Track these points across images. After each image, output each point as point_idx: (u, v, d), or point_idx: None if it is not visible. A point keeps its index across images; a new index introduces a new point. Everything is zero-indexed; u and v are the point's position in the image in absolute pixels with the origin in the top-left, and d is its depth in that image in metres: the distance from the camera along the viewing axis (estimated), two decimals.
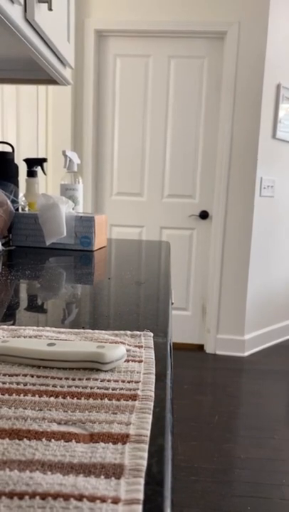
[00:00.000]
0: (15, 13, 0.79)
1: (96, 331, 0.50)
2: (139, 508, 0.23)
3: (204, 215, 2.81)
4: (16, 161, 1.33)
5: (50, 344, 0.41)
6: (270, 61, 2.57)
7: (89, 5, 2.54)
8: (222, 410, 2.12)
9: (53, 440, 0.29)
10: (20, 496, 0.24)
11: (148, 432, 0.30)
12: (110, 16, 2.55)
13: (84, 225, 1.15)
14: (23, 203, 1.37)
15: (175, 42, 2.65)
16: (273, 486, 1.58)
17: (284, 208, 2.95)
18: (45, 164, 1.50)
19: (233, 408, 2.15)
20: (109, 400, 0.34)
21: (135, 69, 2.70)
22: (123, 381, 0.38)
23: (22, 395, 0.35)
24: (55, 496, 0.24)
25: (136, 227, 2.89)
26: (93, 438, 0.29)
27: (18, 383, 0.37)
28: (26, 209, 1.40)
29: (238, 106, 2.60)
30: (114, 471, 0.26)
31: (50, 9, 0.88)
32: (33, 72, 1.25)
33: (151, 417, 0.32)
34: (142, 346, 0.46)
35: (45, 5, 0.89)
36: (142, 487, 0.24)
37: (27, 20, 0.85)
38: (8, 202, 1.11)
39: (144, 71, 2.70)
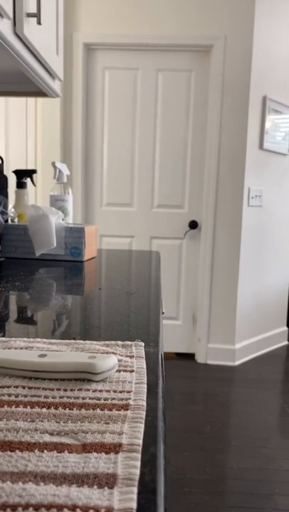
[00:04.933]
0: (4, 27, 0.79)
1: (87, 342, 0.50)
2: None
3: (193, 225, 2.83)
4: (5, 173, 1.33)
5: (41, 355, 0.41)
6: (256, 74, 2.62)
7: (78, 19, 2.57)
8: (214, 420, 2.11)
9: (45, 451, 0.29)
10: (14, 507, 0.23)
11: (140, 441, 0.30)
12: (99, 30, 2.58)
13: (74, 236, 1.15)
14: (12, 215, 1.37)
15: (163, 55, 2.69)
16: (266, 496, 1.57)
17: (272, 218, 2.98)
18: (34, 175, 1.50)
19: (225, 418, 2.14)
20: (101, 410, 0.34)
21: (124, 82, 2.73)
22: (115, 391, 0.38)
23: (14, 406, 0.35)
24: (49, 507, 0.24)
25: (126, 238, 2.90)
26: (86, 448, 0.29)
27: (9, 395, 0.37)
28: (16, 220, 1.39)
29: (225, 118, 2.64)
30: (108, 481, 0.26)
31: (39, 23, 0.89)
32: (22, 84, 1.26)
33: (143, 426, 0.32)
34: (133, 356, 0.46)
35: (34, 19, 0.90)
36: (135, 496, 0.25)
37: (16, 34, 0.86)
38: None
39: (132, 84, 2.73)
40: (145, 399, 0.36)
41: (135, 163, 2.83)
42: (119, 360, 0.44)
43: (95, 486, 0.25)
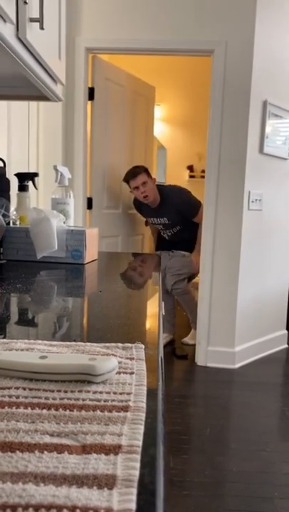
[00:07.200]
0: (7, 31, 0.80)
1: (88, 344, 0.50)
2: None
3: None
4: (7, 176, 1.34)
5: (42, 357, 0.41)
6: (256, 78, 2.63)
7: (80, 23, 2.58)
8: (213, 423, 2.11)
9: (45, 452, 0.29)
10: (14, 508, 0.24)
11: (140, 443, 0.30)
12: (100, 34, 2.59)
13: (75, 239, 1.15)
14: (14, 217, 1.37)
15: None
16: (265, 499, 1.57)
17: (272, 221, 2.99)
18: (36, 179, 1.51)
19: (225, 421, 2.14)
20: (101, 411, 0.35)
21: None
22: (115, 393, 0.38)
23: (14, 407, 0.35)
24: (49, 508, 0.24)
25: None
26: (86, 449, 0.30)
27: (10, 396, 0.37)
28: (17, 223, 1.40)
29: (226, 122, 2.65)
30: (107, 482, 0.26)
31: (41, 28, 0.90)
32: (24, 88, 1.26)
33: (143, 427, 0.33)
34: (133, 358, 0.46)
35: (37, 24, 0.91)
36: (134, 497, 0.25)
37: (19, 39, 0.87)
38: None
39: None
40: (145, 401, 0.37)
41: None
42: (119, 362, 0.44)
43: (95, 487, 0.26)
